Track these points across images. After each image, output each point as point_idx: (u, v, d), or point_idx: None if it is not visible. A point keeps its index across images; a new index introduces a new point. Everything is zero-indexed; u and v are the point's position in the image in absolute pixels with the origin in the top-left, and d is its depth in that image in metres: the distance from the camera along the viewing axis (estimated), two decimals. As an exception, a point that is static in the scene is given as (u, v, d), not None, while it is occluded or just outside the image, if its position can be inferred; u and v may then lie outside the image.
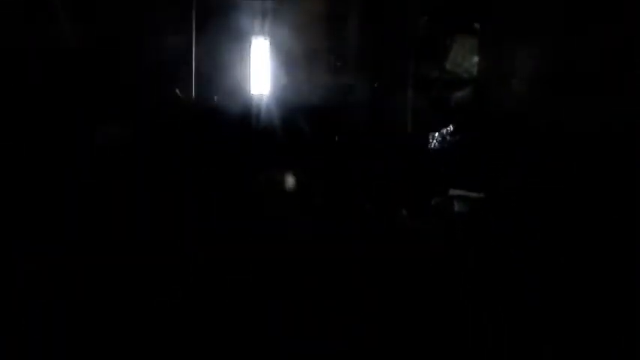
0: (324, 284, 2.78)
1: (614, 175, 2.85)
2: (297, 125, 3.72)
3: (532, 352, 2.38)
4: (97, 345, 2.35)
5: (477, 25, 3.78)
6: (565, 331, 2.45)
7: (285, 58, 3.83)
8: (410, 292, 2.76)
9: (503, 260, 2.81)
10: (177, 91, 3.52)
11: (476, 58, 3.76)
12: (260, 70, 3.83)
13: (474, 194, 3.21)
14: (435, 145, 3.60)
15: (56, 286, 2.59)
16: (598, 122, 2.93)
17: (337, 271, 2.86)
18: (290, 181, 3.58)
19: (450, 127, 3.55)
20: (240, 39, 3.77)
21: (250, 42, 3.80)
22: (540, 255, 2.79)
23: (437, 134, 3.58)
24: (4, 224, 2.85)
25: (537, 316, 2.52)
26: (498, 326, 2.50)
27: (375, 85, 3.85)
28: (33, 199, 2.96)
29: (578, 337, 2.41)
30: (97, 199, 3.04)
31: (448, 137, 3.54)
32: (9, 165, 2.96)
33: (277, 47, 3.80)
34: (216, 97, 3.62)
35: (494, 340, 2.44)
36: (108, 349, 2.33)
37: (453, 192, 3.27)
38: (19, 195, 2.95)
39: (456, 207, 3.20)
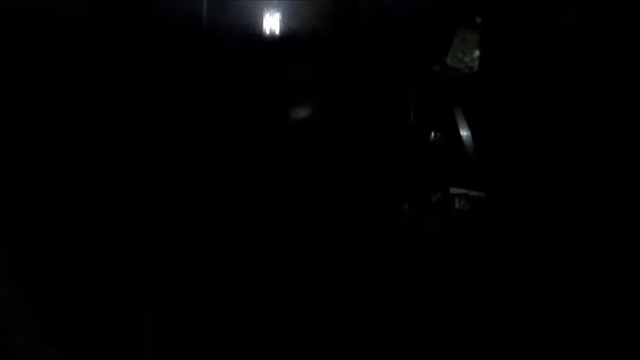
0: (327, 279, 2.80)
1: (613, 175, 2.88)
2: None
3: (532, 351, 2.42)
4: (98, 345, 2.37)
5: (478, 19, 3.76)
6: (565, 331, 2.48)
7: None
8: (412, 287, 2.79)
9: (505, 259, 2.83)
10: None
11: (477, 53, 3.74)
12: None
13: (474, 192, 3.24)
14: (435, 141, 3.61)
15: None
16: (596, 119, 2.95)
17: (339, 267, 2.88)
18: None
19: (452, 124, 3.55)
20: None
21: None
22: (541, 253, 2.82)
23: (438, 130, 3.59)
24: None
25: (537, 315, 2.55)
26: (499, 324, 2.54)
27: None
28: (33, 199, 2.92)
29: (578, 336, 2.44)
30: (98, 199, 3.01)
31: (449, 133, 3.55)
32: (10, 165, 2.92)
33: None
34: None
35: (495, 338, 2.48)
36: (109, 349, 2.35)
37: (453, 190, 3.29)
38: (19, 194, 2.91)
39: (457, 204, 3.23)
